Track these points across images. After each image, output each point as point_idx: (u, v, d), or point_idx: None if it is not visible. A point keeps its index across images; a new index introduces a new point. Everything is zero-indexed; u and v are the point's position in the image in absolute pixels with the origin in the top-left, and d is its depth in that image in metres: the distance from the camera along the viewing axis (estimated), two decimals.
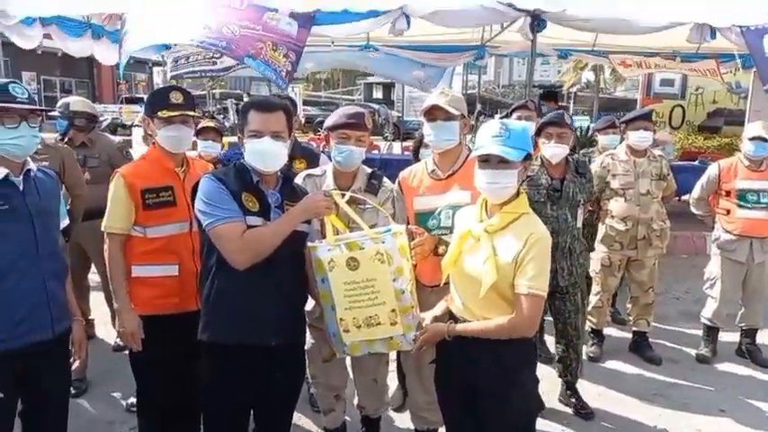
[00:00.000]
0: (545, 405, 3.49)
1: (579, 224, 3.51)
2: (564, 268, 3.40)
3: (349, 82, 33.74)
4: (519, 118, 4.23)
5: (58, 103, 4.20)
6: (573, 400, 3.58)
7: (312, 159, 3.44)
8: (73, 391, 3.26)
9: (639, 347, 4.38)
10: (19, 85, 2.13)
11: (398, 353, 3.11)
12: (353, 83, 34.24)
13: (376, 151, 9.04)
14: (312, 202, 2.16)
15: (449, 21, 5.18)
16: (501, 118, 4.21)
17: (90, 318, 4.27)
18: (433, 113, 2.63)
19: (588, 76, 26.73)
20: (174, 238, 2.55)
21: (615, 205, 4.20)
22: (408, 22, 4.91)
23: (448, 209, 2.61)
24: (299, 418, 3.28)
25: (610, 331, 4.64)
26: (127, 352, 2.70)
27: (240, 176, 2.16)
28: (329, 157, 2.84)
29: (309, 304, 2.45)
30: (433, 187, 2.73)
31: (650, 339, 4.41)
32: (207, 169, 2.69)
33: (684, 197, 4.77)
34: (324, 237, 2.24)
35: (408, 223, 2.67)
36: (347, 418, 3.10)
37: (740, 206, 4.18)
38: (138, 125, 9.08)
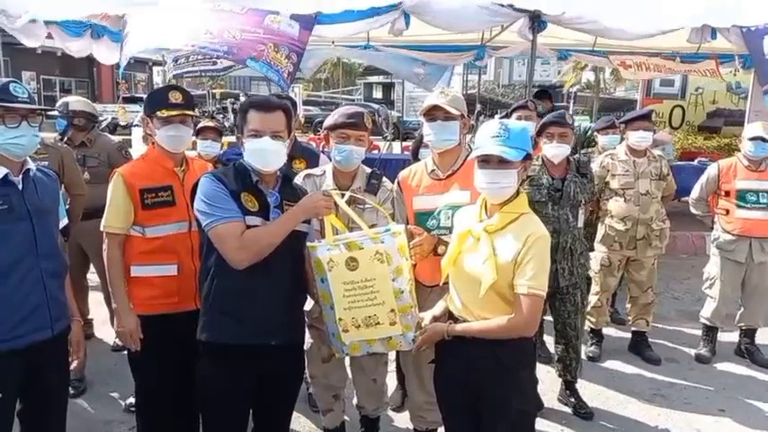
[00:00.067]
0: (544, 405, 3.50)
1: (580, 224, 3.51)
2: (565, 268, 3.40)
3: (349, 82, 33.76)
4: (519, 118, 4.24)
5: (58, 103, 4.20)
6: (572, 399, 3.58)
7: (312, 159, 3.43)
8: (72, 391, 3.26)
9: (639, 347, 4.38)
10: (19, 85, 2.13)
11: (398, 353, 3.11)
12: (353, 83, 34.27)
13: (376, 151, 9.05)
14: (311, 202, 2.16)
15: (448, 23, 5.18)
16: (501, 118, 4.21)
17: (89, 318, 4.27)
18: (433, 113, 2.63)
19: (588, 76, 26.76)
20: (173, 238, 2.55)
21: (615, 205, 4.20)
22: (407, 23, 4.91)
23: (447, 209, 2.61)
24: (297, 418, 3.28)
25: (609, 331, 4.64)
26: (126, 352, 2.69)
27: (240, 176, 2.16)
28: (329, 157, 2.84)
29: (309, 304, 2.45)
30: (433, 187, 2.73)
31: (649, 339, 4.41)
32: (206, 169, 2.68)
33: (684, 198, 4.76)
34: (323, 237, 2.24)
35: (408, 223, 2.67)
36: (346, 417, 3.10)
37: (739, 206, 4.19)
38: (137, 125, 9.08)
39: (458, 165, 2.70)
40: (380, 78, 34.67)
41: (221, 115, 17.76)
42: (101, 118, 4.72)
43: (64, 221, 2.49)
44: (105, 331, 4.29)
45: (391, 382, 3.39)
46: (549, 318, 3.61)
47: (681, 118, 10.79)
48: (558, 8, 4.95)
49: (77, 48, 6.19)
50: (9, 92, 2.07)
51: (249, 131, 2.15)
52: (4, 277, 2.05)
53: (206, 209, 2.07)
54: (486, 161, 2.04)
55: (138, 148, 6.09)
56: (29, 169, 2.17)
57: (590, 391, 3.77)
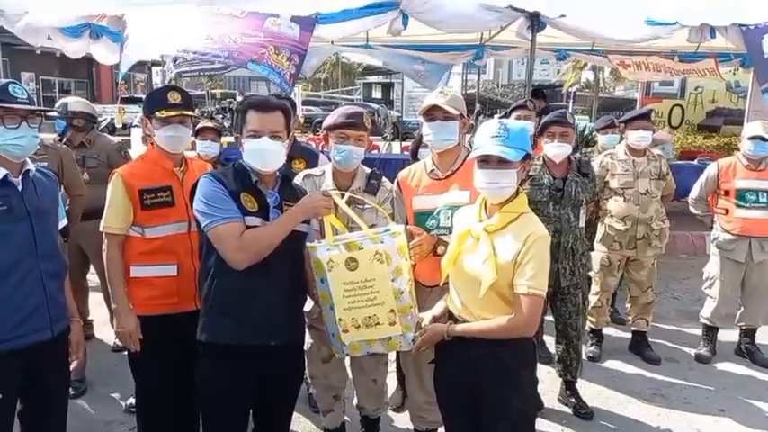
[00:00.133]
0: (544, 405, 3.50)
1: (582, 224, 3.51)
2: (566, 268, 3.40)
3: (348, 82, 33.77)
4: (518, 118, 4.24)
5: (57, 104, 4.20)
6: (572, 399, 3.58)
7: (311, 159, 3.44)
8: (72, 392, 3.26)
9: (639, 347, 4.38)
10: (18, 86, 2.13)
11: (398, 353, 3.11)
12: (353, 83, 34.28)
13: (375, 151, 9.05)
14: (311, 202, 2.16)
15: (446, 23, 5.18)
16: (500, 118, 4.22)
17: (89, 318, 4.27)
18: (432, 113, 2.63)
19: (588, 75, 26.77)
20: (173, 239, 2.55)
21: (614, 205, 4.21)
22: (405, 23, 4.91)
23: (447, 209, 2.61)
24: (298, 419, 3.28)
25: (609, 331, 4.64)
26: (126, 352, 2.69)
27: (239, 177, 2.16)
28: (328, 157, 2.84)
29: (309, 304, 2.45)
30: (432, 187, 2.73)
31: (649, 339, 4.41)
32: (205, 169, 2.68)
33: (684, 197, 4.77)
34: (323, 237, 2.24)
35: (407, 223, 2.67)
36: (346, 418, 3.10)
37: (739, 206, 4.19)
38: (137, 125, 9.08)
39: (457, 165, 2.69)
40: (380, 78, 34.69)
41: (221, 115, 17.75)
42: (100, 119, 4.72)
43: (63, 222, 2.49)
44: (105, 332, 4.28)
45: (391, 382, 3.39)
46: (549, 318, 3.61)
47: (680, 117, 10.79)
48: (556, 11, 4.95)
49: (75, 48, 6.18)
50: (8, 93, 2.07)
51: (248, 132, 2.15)
52: (4, 278, 2.05)
53: (205, 209, 2.07)
54: (485, 161, 2.04)
55: (137, 149, 6.09)
56: (28, 170, 2.17)
57: (590, 391, 3.77)
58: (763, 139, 4.03)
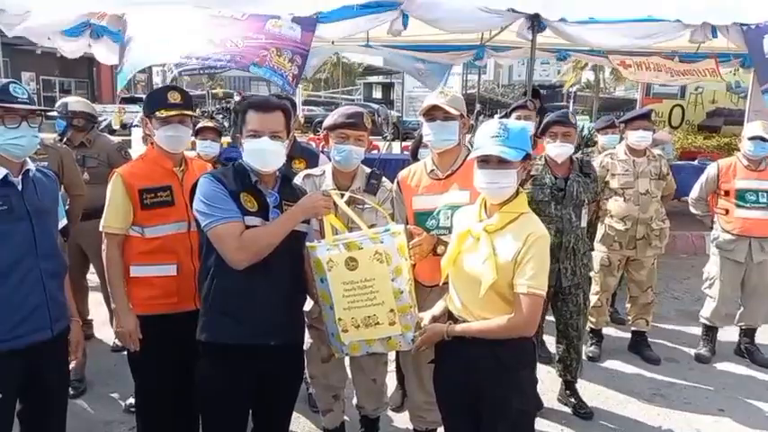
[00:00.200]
0: (544, 405, 3.50)
1: (584, 224, 3.51)
2: (567, 268, 3.40)
3: (348, 82, 33.79)
4: (518, 118, 4.24)
5: (57, 104, 4.20)
6: (572, 399, 3.58)
7: (311, 159, 3.44)
8: (72, 392, 3.27)
9: (638, 347, 4.38)
10: (19, 86, 2.13)
11: (397, 353, 3.11)
12: (353, 83, 34.30)
13: (375, 151, 9.05)
14: (311, 202, 2.16)
15: (447, 24, 5.18)
16: (500, 118, 4.22)
17: (89, 318, 4.27)
18: (433, 113, 2.63)
19: (588, 75, 26.76)
20: (173, 238, 2.55)
21: (614, 205, 4.21)
22: (405, 23, 4.91)
23: (447, 209, 2.61)
24: (297, 418, 3.28)
25: (609, 331, 4.64)
26: (125, 352, 2.69)
27: (239, 176, 2.16)
28: (329, 157, 2.84)
29: (308, 304, 2.45)
30: (432, 187, 2.73)
31: (649, 339, 4.42)
32: (205, 169, 2.69)
33: (684, 197, 4.77)
34: (323, 237, 2.24)
35: (407, 223, 2.67)
36: (346, 418, 3.10)
37: (739, 206, 4.18)
38: (137, 125, 9.07)
39: (457, 165, 2.69)
40: (380, 78, 34.73)
41: (221, 115, 17.76)
42: (100, 118, 4.72)
43: (63, 222, 2.49)
44: (105, 332, 4.29)
45: (391, 382, 3.39)
46: (550, 318, 3.61)
47: (680, 117, 10.79)
48: (556, 14, 4.95)
49: (72, 48, 6.17)
50: (9, 92, 2.07)
51: (248, 132, 2.16)
52: (4, 277, 2.05)
53: (205, 209, 2.07)
54: (485, 161, 2.05)
55: (137, 149, 6.08)
56: (28, 170, 2.17)
57: (590, 391, 3.77)
58: (763, 139, 4.03)
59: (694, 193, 4.48)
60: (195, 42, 4.50)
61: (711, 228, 4.46)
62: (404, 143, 13.33)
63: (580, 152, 4.19)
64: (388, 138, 13.68)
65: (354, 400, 3.05)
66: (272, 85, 4.72)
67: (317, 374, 2.90)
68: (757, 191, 4.13)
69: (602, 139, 5.11)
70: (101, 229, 2.56)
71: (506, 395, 2.07)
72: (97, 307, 4.23)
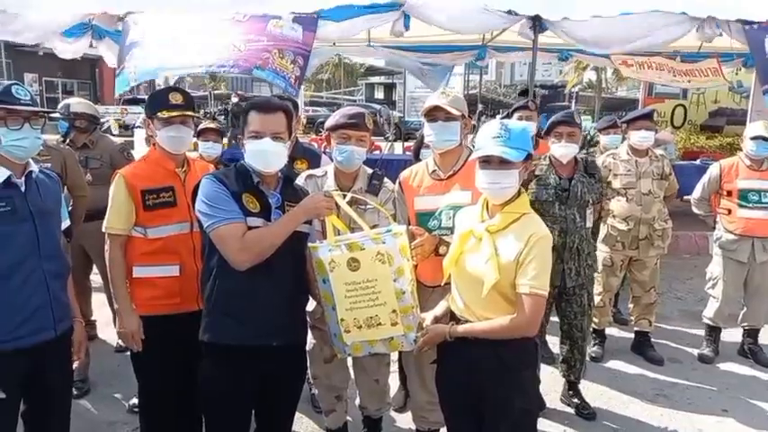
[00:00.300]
0: (546, 405, 3.49)
1: (589, 224, 3.50)
2: (572, 269, 3.39)
3: (350, 82, 33.80)
4: (520, 118, 4.24)
5: (60, 105, 4.21)
6: (575, 400, 3.58)
7: (314, 160, 3.43)
8: (75, 392, 3.27)
9: (641, 347, 4.38)
10: (21, 87, 2.13)
11: (400, 353, 3.11)
12: (355, 83, 34.31)
13: (377, 152, 9.06)
14: (313, 203, 2.17)
15: (448, 24, 5.18)
16: (502, 118, 4.21)
17: (92, 319, 4.28)
18: (434, 114, 2.63)
19: (590, 75, 26.73)
20: (175, 239, 2.55)
21: (617, 205, 4.20)
22: (407, 24, 4.91)
23: (448, 209, 2.61)
24: (300, 419, 3.28)
25: (612, 331, 4.64)
26: (129, 353, 2.70)
27: (241, 177, 2.17)
28: (330, 158, 2.84)
29: (311, 305, 2.45)
30: (434, 187, 2.73)
31: (652, 339, 4.41)
32: (208, 170, 2.69)
33: (686, 197, 4.76)
34: (325, 237, 2.24)
35: (409, 224, 2.67)
36: (349, 418, 3.10)
37: (741, 206, 4.18)
38: (140, 126, 9.09)
39: (459, 165, 2.69)
40: (382, 79, 34.72)
41: (223, 116, 17.77)
42: (102, 119, 4.73)
43: (66, 223, 2.50)
44: (108, 332, 4.29)
45: (394, 382, 3.39)
46: (555, 318, 3.60)
47: (683, 117, 10.78)
48: (557, 14, 4.95)
49: (70, 49, 6.18)
50: (11, 94, 2.08)
51: (250, 133, 2.16)
52: (7, 278, 2.06)
53: (207, 210, 2.08)
54: (487, 161, 2.05)
55: (140, 150, 6.09)
56: (31, 171, 2.18)
57: (593, 392, 3.76)
58: (765, 139, 4.03)
59: (696, 193, 4.47)
60: (199, 51, 4.51)
61: (714, 228, 4.45)
62: (406, 143, 13.33)
63: (583, 152, 4.18)
64: (390, 138, 13.68)
65: (357, 401, 3.05)
66: (275, 86, 4.72)
67: (320, 375, 2.90)
68: (760, 191, 4.13)
69: (604, 139, 5.11)
70: (103, 229, 2.57)
71: (509, 395, 2.07)
72: (100, 308, 4.24)
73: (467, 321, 2.12)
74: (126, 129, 18.99)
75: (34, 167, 2.21)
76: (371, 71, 32.43)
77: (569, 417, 3.52)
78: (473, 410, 2.16)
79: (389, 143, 12.69)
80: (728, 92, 10.45)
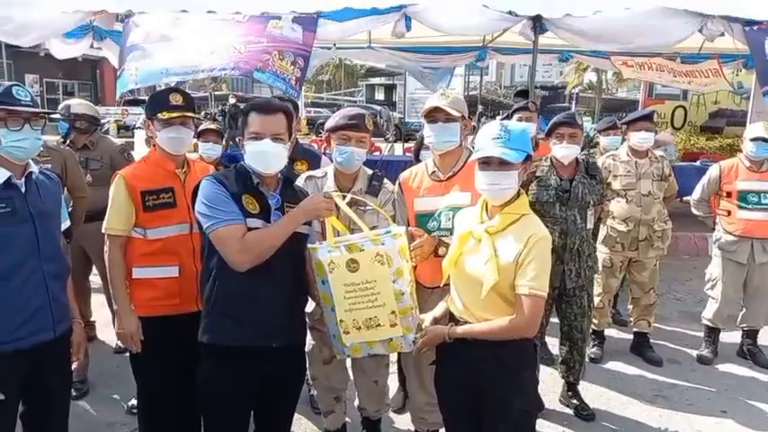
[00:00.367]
0: (545, 406, 3.50)
1: (590, 225, 3.50)
2: (572, 270, 3.39)
3: (351, 83, 33.81)
4: (520, 119, 4.24)
5: (60, 106, 4.21)
6: (574, 401, 3.58)
7: (313, 161, 3.44)
8: (74, 393, 3.27)
9: (640, 348, 4.38)
10: (22, 88, 2.14)
11: (399, 354, 3.12)
12: (355, 84, 34.32)
13: (377, 153, 9.06)
14: (312, 204, 2.17)
15: (449, 26, 5.18)
16: (502, 119, 4.21)
17: (91, 320, 4.28)
18: (434, 115, 2.64)
19: (590, 77, 26.71)
20: (175, 240, 2.56)
21: (616, 206, 4.20)
22: (408, 26, 4.91)
23: (448, 210, 2.61)
24: (299, 420, 3.29)
25: (611, 332, 4.64)
26: (128, 354, 2.70)
27: (240, 178, 2.17)
28: (330, 159, 2.84)
29: (310, 306, 2.46)
30: (434, 189, 2.73)
31: (651, 340, 4.41)
32: (207, 171, 2.69)
33: (686, 198, 4.76)
34: (324, 238, 2.24)
35: (408, 225, 2.67)
36: (348, 419, 3.11)
37: (741, 207, 4.18)
38: (140, 127, 9.10)
39: (458, 166, 2.70)
40: (382, 80, 34.70)
41: (220, 117, 17.76)
42: (103, 121, 4.73)
43: (66, 224, 2.50)
44: (108, 333, 4.29)
45: (393, 383, 3.39)
46: (555, 320, 3.60)
47: (683, 118, 10.79)
48: (558, 13, 4.94)
49: (69, 50, 6.18)
50: (12, 95, 2.08)
51: (250, 134, 2.16)
52: (7, 279, 2.06)
53: (207, 211, 2.08)
54: (486, 163, 2.05)
55: (140, 151, 6.09)
56: (31, 172, 2.18)
57: (591, 393, 3.76)
58: (765, 140, 4.03)
59: (696, 194, 4.48)
60: (200, 51, 4.50)
61: (713, 229, 4.45)
62: (406, 145, 13.33)
63: (584, 153, 4.18)
64: (390, 139, 13.68)
65: (356, 402, 3.06)
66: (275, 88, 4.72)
67: (319, 376, 2.90)
68: (759, 192, 4.13)
69: (604, 140, 5.11)
70: (103, 230, 2.57)
71: (508, 396, 2.07)
72: (100, 309, 4.24)
73: (466, 322, 2.13)
74: (126, 130, 18.99)
75: (34, 168, 2.21)
76: (372, 72, 32.42)
77: (568, 418, 3.52)
78: (472, 411, 2.16)
79: (389, 144, 12.70)
80: (729, 93, 10.44)
